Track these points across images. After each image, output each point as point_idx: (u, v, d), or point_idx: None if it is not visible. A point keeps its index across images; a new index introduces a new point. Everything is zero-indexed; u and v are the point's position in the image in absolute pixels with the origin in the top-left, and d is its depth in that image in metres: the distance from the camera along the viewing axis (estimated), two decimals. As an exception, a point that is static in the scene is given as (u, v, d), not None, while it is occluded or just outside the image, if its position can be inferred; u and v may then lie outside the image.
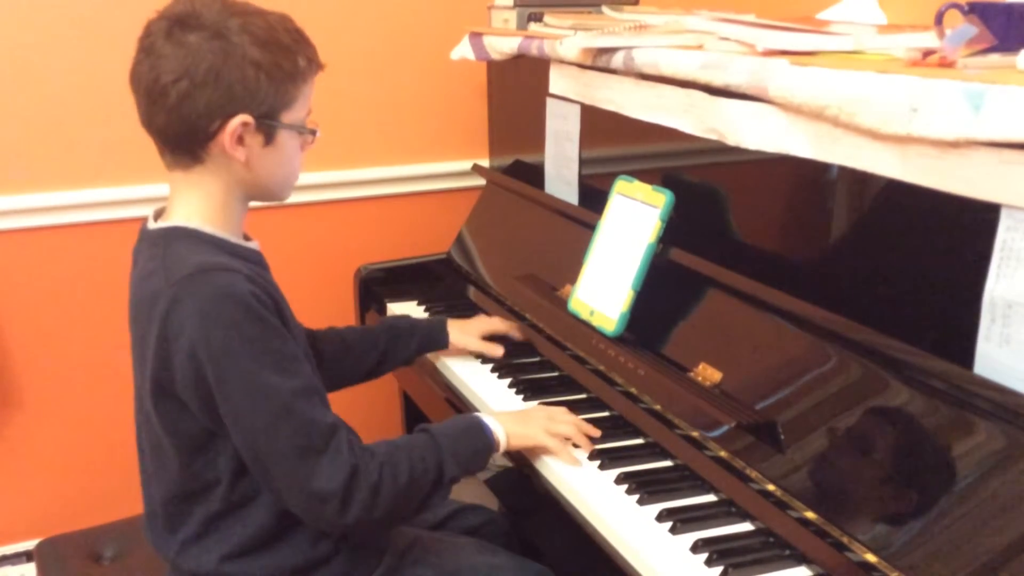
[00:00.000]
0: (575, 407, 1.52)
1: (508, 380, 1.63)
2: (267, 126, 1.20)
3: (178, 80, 1.15)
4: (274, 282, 1.28)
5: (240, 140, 1.19)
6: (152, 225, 1.26)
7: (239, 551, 1.25)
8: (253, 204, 1.30)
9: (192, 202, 1.24)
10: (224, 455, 1.21)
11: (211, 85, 1.15)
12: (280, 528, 1.25)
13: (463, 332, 1.72)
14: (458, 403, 1.65)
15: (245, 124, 1.18)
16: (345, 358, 1.60)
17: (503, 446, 1.35)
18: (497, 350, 1.70)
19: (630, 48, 1.54)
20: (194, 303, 1.14)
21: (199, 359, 1.14)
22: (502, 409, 1.54)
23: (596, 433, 1.41)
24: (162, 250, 1.20)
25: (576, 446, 1.39)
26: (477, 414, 1.37)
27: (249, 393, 1.15)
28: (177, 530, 1.27)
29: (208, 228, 1.23)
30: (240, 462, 1.21)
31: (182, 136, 1.20)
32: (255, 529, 1.24)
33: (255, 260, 1.28)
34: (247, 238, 1.30)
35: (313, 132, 1.27)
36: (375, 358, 1.63)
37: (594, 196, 1.77)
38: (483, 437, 1.33)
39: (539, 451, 1.38)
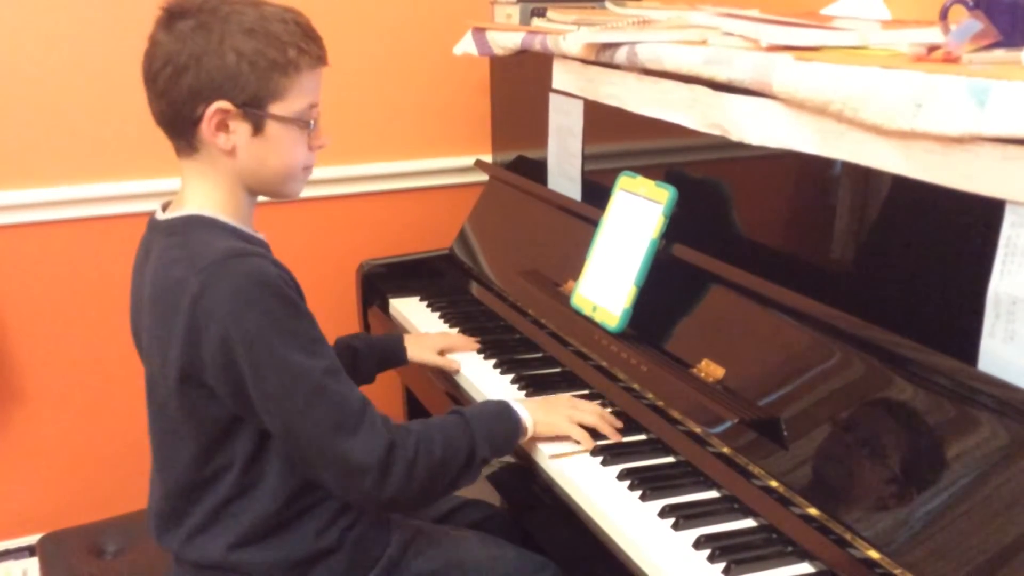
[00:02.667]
0: (577, 403, 1.53)
1: (511, 376, 1.63)
2: (253, 115, 1.20)
3: (165, 66, 1.18)
4: None
5: (223, 127, 1.20)
6: (162, 216, 1.26)
7: (245, 540, 1.25)
8: (259, 198, 1.30)
9: (202, 190, 1.25)
10: (241, 440, 1.23)
11: (192, 70, 1.17)
12: (285, 518, 1.26)
13: (421, 347, 1.71)
14: (461, 399, 1.65)
15: (225, 111, 1.18)
16: None
17: (530, 432, 1.37)
18: (454, 365, 1.69)
19: (633, 43, 1.54)
20: (225, 288, 1.15)
21: (231, 344, 1.15)
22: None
23: (619, 424, 1.42)
24: (182, 239, 1.21)
25: (601, 436, 1.40)
26: (505, 399, 1.40)
27: (283, 376, 1.16)
28: (184, 521, 1.27)
29: (222, 217, 1.24)
30: (255, 447, 1.23)
31: (173, 122, 1.22)
32: (261, 516, 1.25)
33: (266, 250, 1.28)
34: (255, 231, 1.30)
35: (307, 124, 1.24)
36: None
37: (597, 192, 1.77)
38: (512, 420, 1.35)
39: (563, 439, 1.39)
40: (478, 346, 1.74)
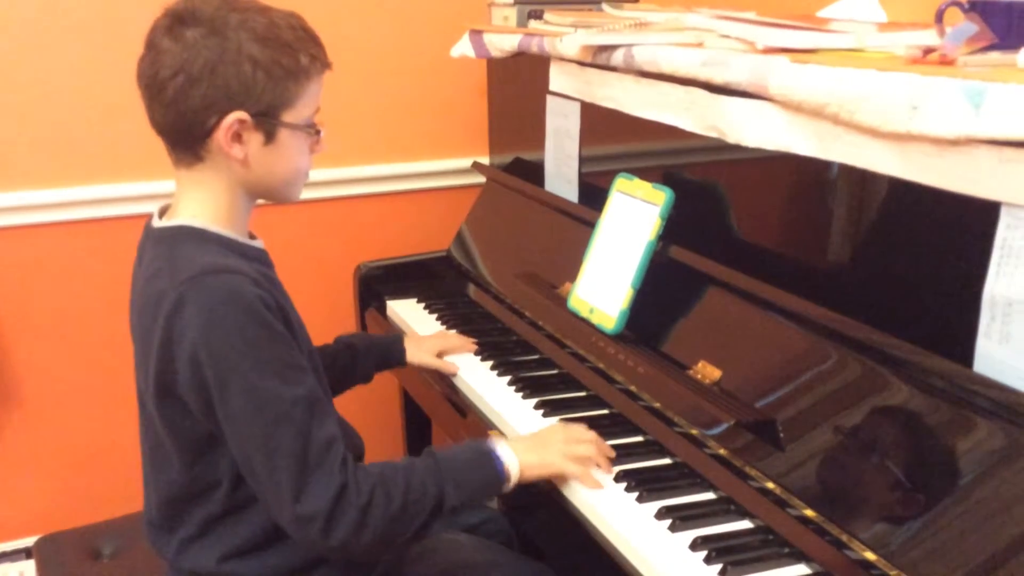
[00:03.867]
0: (575, 404, 1.52)
1: (508, 378, 1.63)
2: (267, 124, 1.18)
3: (175, 75, 1.14)
4: (280, 283, 1.26)
5: (237, 138, 1.17)
6: (157, 223, 1.24)
7: (238, 551, 1.24)
8: (258, 201, 1.29)
9: (197, 200, 1.22)
10: (226, 458, 1.20)
11: (207, 80, 1.14)
12: (279, 529, 1.23)
13: (419, 349, 1.70)
14: (458, 401, 1.65)
15: (242, 121, 1.16)
16: None
17: (516, 478, 1.27)
18: (452, 368, 1.68)
19: (630, 46, 1.54)
20: (198, 305, 1.12)
21: (200, 361, 1.12)
22: (503, 407, 1.54)
23: (613, 454, 1.35)
24: (168, 249, 1.19)
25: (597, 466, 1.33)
26: (491, 441, 1.30)
27: (248, 398, 1.13)
28: (176, 530, 1.26)
29: (214, 227, 1.21)
30: None
31: (181, 133, 1.18)
32: (255, 530, 1.24)
33: (261, 259, 1.26)
34: (252, 237, 1.29)
35: (318, 131, 1.24)
36: (334, 376, 1.54)
37: (594, 194, 1.77)
38: (491, 468, 1.26)
39: (559, 478, 1.31)
40: (476, 347, 1.74)
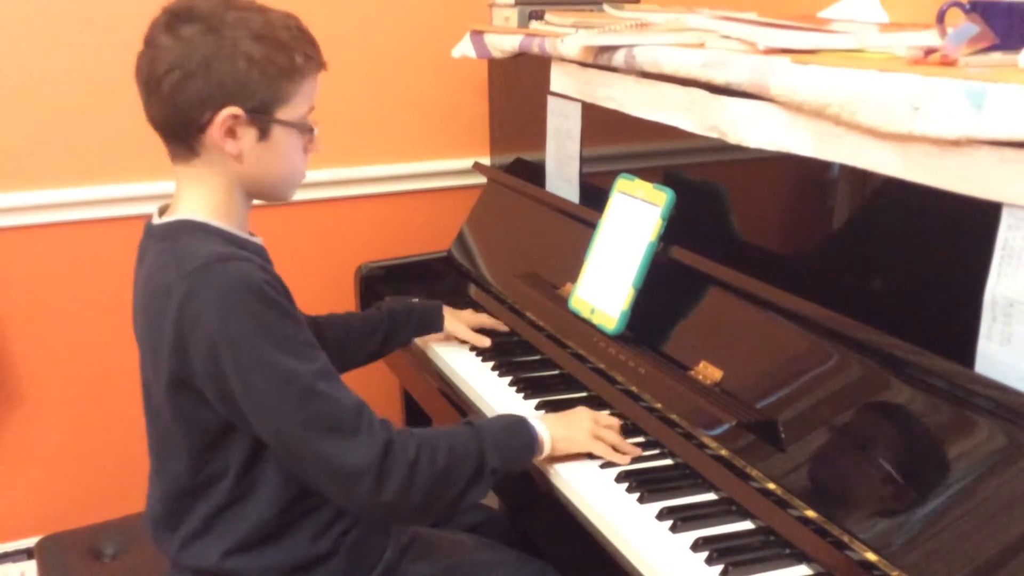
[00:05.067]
0: (576, 405, 1.52)
1: (509, 378, 1.63)
2: (260, 120, 1.20)
3: (171, 71, 1.17)
4: (280, 278, 1.27)
5: (231, 133, 1.19)
6: (157, 221, 1.26)
7: (240, 546, 1.25)
8: (254, 202, 1.30)
9: (197, 196, 1.24)
10: (235, 448, 1.22)
11: (202, 76, 1.16)
12: (281, 524, 1.25)
13: (456, 320, 1.77)
14: (459, 401, 1.65)
15: (235, 116, 1.18)
16: (348, 343, 1.64)
17: (547, 449, 1.33)
18: (484, 341, 1.74)
19: (631, 46, 1.54)
20: (210, 293, 1.14)
21: (217, 349, 1.14)
22: (504, 407, 1.54)
23: (636, 452, 1.38)
24: (171, 244, 1.21)
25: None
26: (522, 414, 1.36)
27: (271, 379, 1.14)
28: (179, 527, 1.27)
29: (214, 221, 1.23)
30: (249, 454, 1.22)
31: (176, 128, 1.20)
32: (256, 523, 1.24)
33: (260, 255, 1.27)
34: (251, 234, 1.30)
35: (311, 130, 1.26)
36: (377, 342, 1.68)
37: (595, 194, 1.77)
38: (527, 434, 1.32)
39: (585, 455, 1.35)
40: (505, 327, 1.79)
